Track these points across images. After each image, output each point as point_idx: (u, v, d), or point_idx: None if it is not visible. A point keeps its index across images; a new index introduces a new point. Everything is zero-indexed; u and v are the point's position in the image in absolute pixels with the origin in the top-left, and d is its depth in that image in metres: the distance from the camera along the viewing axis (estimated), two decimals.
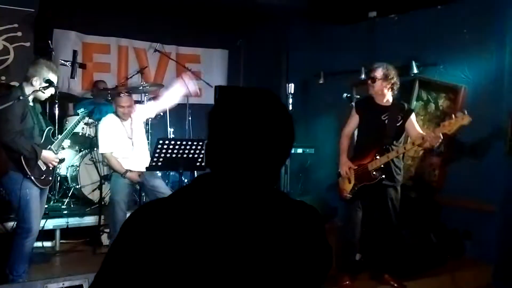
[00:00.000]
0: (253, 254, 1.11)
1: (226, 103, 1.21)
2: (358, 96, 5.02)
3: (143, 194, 4.84)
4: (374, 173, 3.92)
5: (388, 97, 4.01)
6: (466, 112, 3.57)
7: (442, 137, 3.66)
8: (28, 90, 3.63)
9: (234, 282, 1.10)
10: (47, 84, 3.69)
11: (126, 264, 1.11)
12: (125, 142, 4.70)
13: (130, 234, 1.14)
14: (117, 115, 4.70)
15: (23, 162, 3.59)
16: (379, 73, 3.96)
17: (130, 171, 4.60)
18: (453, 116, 3.63)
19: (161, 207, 1.17)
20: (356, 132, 4.28)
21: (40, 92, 3.68)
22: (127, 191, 4.63)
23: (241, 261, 1.10)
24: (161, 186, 4.67)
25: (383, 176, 3.91)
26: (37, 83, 3.64)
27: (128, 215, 1.69)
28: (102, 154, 4.77)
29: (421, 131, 3.99)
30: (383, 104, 4.01)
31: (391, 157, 3.89)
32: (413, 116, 4.04)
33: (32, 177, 3.63)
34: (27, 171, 3.60)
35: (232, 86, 7.13)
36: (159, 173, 5.01)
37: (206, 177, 1.19)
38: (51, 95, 4.14)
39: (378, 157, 3.90)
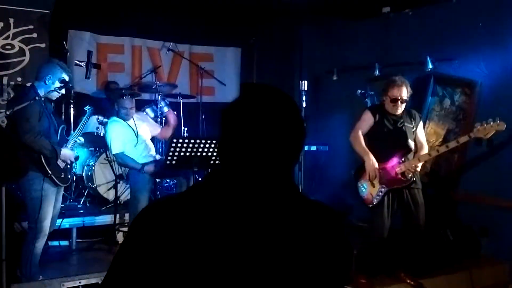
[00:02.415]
0: (267, 254, 1.10)
1: (237, 101, 1.21)
2: (372, 93, 4.99)
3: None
4: (403, 176, 3.87)
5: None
6: (499, 119, 3.66)
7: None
8: (41, 90, 3.66)
9: (248, 282, 1.08)
10: (62, 84, 3.73)
11: (137, 263, 1.11)
12: (132, 142, 4.78)
13: (140, 232, 1.14)
14: (120, 117, 4.78)
15: (44, 162, 3.62)
16: (405, 93, 3.88)
17: (146, 164, 4.65)
18: (488, 121, 3.68)
19: (172, 205, 1.16)
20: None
21: (55, 92, 3.73)
22: (148, 187, 4.66)
23: (255, 261, 1.09)
24: None
25: (414, 178, 3.89)
26: (50, 82, 3.67)
27: None
28: (115, 155, 4.80)
29: (425, 139, 4.09)
30: (396, 114, 3.98)
31: (422, 160, 3.90)
32: (421, 124, 4.10)
33: (53, 176, 3.67)
34: (48, 170, 3.63)
35: (249, 83, 7.11)
36: None
37: (218, 174, 1.19)
38: (67, 95, 4.21)
39: (403, 160, 3.87)
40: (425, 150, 3.99)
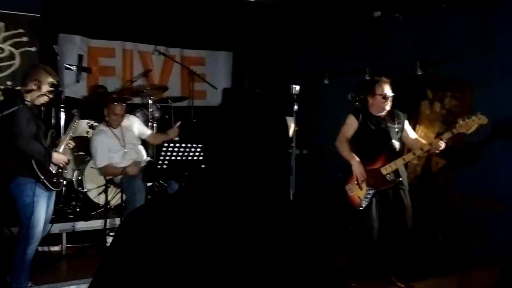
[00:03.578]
0: (250, 255, 1.10)
1: (221, 107, 1.22)
2: (363, 97, 4.99)
3: None
4: (388, 176, 3.89)
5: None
6: (480, 113, 3.71)
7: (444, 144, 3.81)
8: (29, 95, 3.62)
9: (233, 282, 1.08)
10: (52, 89, 3.70)
11: (122, 268, 1.10)
12: (119, 151, 4.72)
13: (125, 237, 1.14)
14: (108, 124, 4.71)
15: (35, 166, 3.58)
16: (389, 89, 3.95)
17: (127, 167, 4.61)
18: (469, 116, 3.73)
19: (157, 209, 1.17)
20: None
21: (44, 97, 3.69)
22: (143, 192, 4.57)
23: (239, 266, 1.09)
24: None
25: (400, 179, 3.90)
26: (36, 87, 3.61)
27: None
28: (99, 168, 4.76)
29: (415, 135, 4.11)
30: (381, 115, 4.01)
31: (407, 160, 3.94)
32: (407, 122, 4.13)
33: (45, 180, 3.63)
34: (40, 174, 3.59)
35: (232, 88, 7.12)
36: None
37: (202, 180, 1.20)
38: (57, 99, 4.14)
39: (389, 161, 3.88)
40: (420, 144, 4.00)
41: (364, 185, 3.96)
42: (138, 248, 1.09)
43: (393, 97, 3.97)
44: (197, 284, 1.07)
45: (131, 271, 1.09)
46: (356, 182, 3.97)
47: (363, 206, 3.96)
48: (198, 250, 1.08)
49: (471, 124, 3.71)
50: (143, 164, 4.77)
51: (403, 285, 3.97)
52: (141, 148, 5.04)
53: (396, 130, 4.02)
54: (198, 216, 1.12)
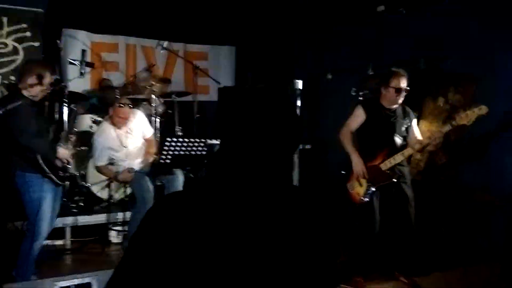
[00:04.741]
0: (265, 244, 1.18)
1: (236, 105, 1.28)
2: (367, 91, 4.98)
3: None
4: (389, 172, 3.88)
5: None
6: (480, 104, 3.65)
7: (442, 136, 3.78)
8: (31, 89, 3.60)
9: (246, 274, 1.15)
10: (54, 82, 3.70)
11: (147, 256, 1.16)
12: (120, 151, 4.68)
13: (153, 226, 1.20)
14: (112, 122, 4.65)
15: (41, 162, 3.58)
16: (405, 82, 3.89)
17: (118, 173, 4.61)
18: (469, 108, 3.68)
19: (181, 201, 1.23)
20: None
21: (47, 90, 3.68)
22: (150, 187, 4.54)
23: (254, 253, 1.17)
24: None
25: (400, 174, 3.89)
26: (37, 81, 3.57)
27: None
28: (96, 167, 4.75)
29: (420, 137, 4.01)
30: (392, 108, 3.98)
31: (406, 155, 3.91)
32: (415, 121, 4.09)
33: (52, 175, 3.63)
34: (46, 170, 3.59)
35: (236, 86, 7.14)
36: None
37: (221, 172, 1.26)
38: (60, 94, 4.14)
39: (389, 157, 3.87)
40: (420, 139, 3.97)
41: (364, 182, 3.94)
42: (166, 236, 1.16)
43: (407, 91, 3.91)
44: (216, 268, 1.14)
45: (157, 258, 1.15)
46: (356, 178, 3.96)
47: (364, 202, 3.95)
48: (217, 238, 1.16)
49: (471, 115, 3.64)
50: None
51: (406, 280, 3.97)
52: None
53: (404, 126, 3.98)
54: (218, 205, 1.19)
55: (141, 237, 1.21)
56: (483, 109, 3.63)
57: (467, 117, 3.66)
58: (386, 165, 3.89)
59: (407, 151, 3.90)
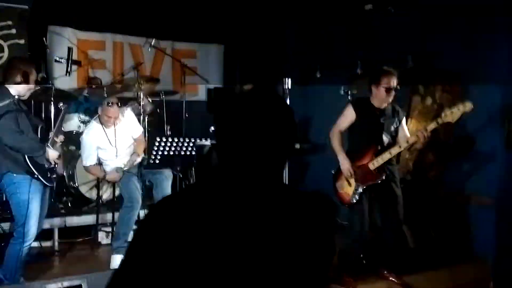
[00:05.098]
0: (264, 239, 1.20)
1: (232, 106, 1.28)
2: (355, 92, 5.00)
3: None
4: (377, 171, 3.89)
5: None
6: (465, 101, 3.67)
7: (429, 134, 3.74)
8: (17, 88, 3.54)
9: (246, 275, 1.17)
10: (41, 81, 3.65)
11: (147, 257, 1.17)
12: (109, 150, 4.63)
13: (153, 226, 1.21)
14: (101, 121, 4.60)
15: (29, 163, 3.53)
16: (395, 81, 3.90)
17: (106, 173, 4.60)
18: (454, 105, 3.69)
19: (180, 202, 1.25)
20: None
21: (33, 89, 3.63)
22: (139, 187, 4.52)
23: (254, 253, 1.19)
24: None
25: (388, 172, 3.90)
26: (23, 79, 3.52)
27: None
28: (85, 167, 4.71)
29: (408, 135, 4.02)
30: (382, 107, 3.99)
31: (394, 153, 3.91)
32: (404, 120, 4.10)
33: (40, 177, 3.58)
34: (34, 171, 3.55)
35: (228, 88, 7.13)
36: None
37: (220, 173, 1.28)
38: (46, 93, 4.05)
39: (377, 156, 3.88)
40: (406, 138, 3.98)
41: (352, 181, 3.96)
42: (167, 234, 1.17)
43: (397, 90, 3.92)
44: (218, 263, 1.16)
45: (158, 256, 1.16)
46: (344, 178, 3.97)
47: (353, 202, 3.96)
48: (219, 235, 1.18)
49: (456, 113, 3.66)
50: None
51: (395, 280, 4.00)
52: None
53: (393, 126, 4.00)
54: (218, 205, 1.21)
55: (141, 238, 1.22)
56: (467, 106, 3.64)
57: (452, 114, 3.67)
58: (374, 164, 3.90)
59: (394, 150, 3.91)
